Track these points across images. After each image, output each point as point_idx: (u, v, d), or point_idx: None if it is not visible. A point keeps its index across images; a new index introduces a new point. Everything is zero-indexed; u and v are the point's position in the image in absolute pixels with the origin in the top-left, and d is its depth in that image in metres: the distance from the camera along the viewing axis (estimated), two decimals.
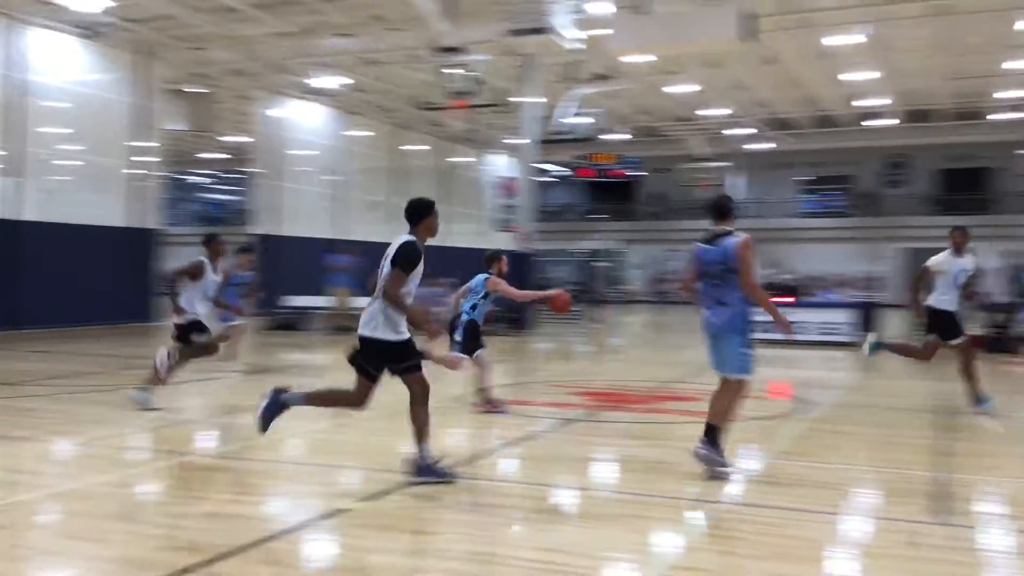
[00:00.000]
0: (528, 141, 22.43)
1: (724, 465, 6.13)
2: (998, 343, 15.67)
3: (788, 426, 8.58)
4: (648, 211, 44.83)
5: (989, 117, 33.56)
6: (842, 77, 27.06)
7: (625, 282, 44.36)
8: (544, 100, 23.42)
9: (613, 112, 31.87)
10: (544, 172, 36.40)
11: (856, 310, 18.37)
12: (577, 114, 25.88)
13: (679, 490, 6.00)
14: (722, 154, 39.55)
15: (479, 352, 8.78)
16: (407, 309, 5.75)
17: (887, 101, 31.00)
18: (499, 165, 36.66)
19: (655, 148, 41.07)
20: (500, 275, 8.95)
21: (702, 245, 6.27)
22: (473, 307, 8.85)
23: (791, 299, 19.16)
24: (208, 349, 9.37)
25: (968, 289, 9.13)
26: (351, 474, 6.59)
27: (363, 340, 5.85)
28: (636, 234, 44.49)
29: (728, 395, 6.21)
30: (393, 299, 5.72)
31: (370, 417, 8.66)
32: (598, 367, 15.27)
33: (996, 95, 29.85)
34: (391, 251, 5.85)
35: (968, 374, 9.08)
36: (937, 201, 39.95)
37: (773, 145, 38.45)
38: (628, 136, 37.28)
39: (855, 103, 32.21)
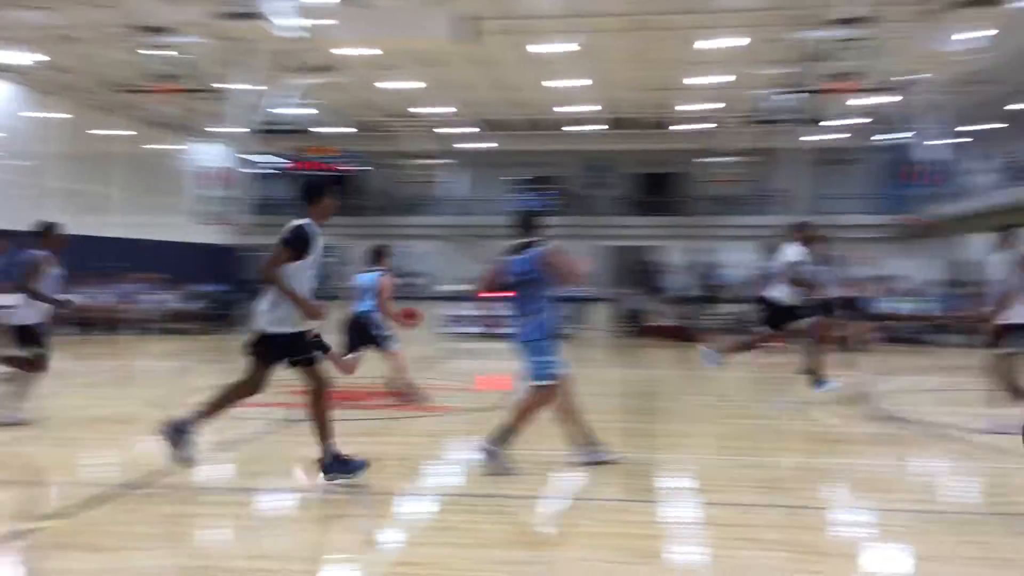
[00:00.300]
0: (240, 130, 21.52)
1: (507, 468, 6.24)
2: (684, 332, 17.28)
3: (498, 417, 8.86)
4: (373, 207, 44.67)
5: (672, 128, 37.11)
6: (554, 83, 28.55)
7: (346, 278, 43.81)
8: (259, 88, 22.59)
9: (335, 105, 31.46)
10: (259, 164, 35.15)
11: (567, 304, 19.35)
12: (296, 105, 25.26)
13: (400, 486, 6.01)
14: (445, 152, 40.32)
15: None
16: (287, 290, 5.56)
17: (597, 108, 33.12)
18: (209, 154, 34.85)
19: (379, 143, 41.02)
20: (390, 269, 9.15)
21: (508, 256, 6.44)
22: (375, 306, 8.99)
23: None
24: (33, 364, 7.90)
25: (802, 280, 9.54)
26: (38, 490, 5.95)
27: (261, 334, 5.72)
28: (359, 229, 44.09)
29: (532, 401, 6.35)
30: (268, 276, 5.57)
31: (60, 426, 7.93)
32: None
33: (679, 107, 33.01)
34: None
35: (816, 361, 9.50)
36: (636, 203, 43.35)
37: (494, 145, 39.83)
38: (352, 130, 36.96)
39: (564, 108, 34.15)
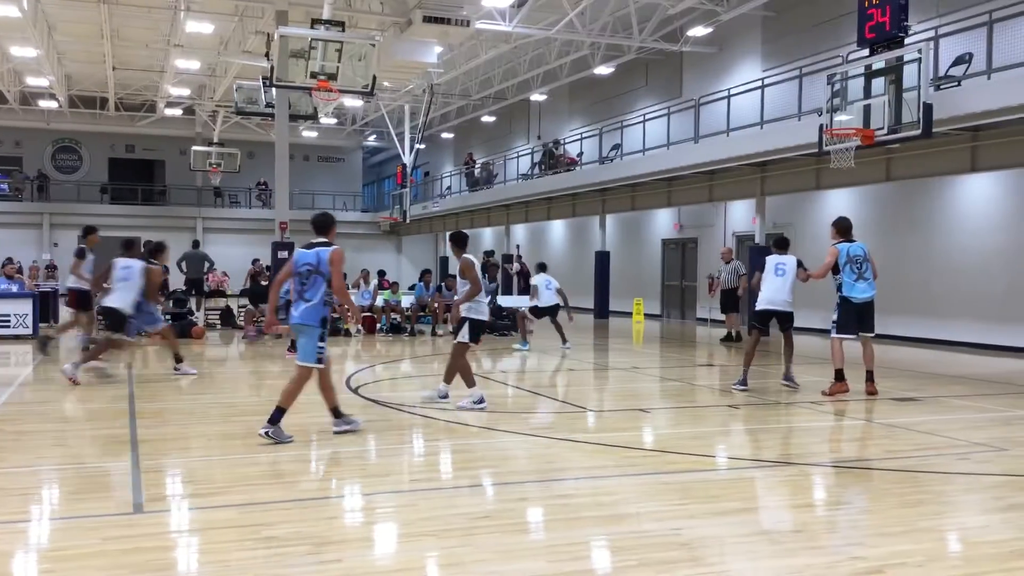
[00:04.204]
0: None
1: (287, 439, 6.94)
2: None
3: None
4: None
5: (167, 112, 35.25)
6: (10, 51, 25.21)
7: None
8: None
9: None
10: None
11: (34, 300, 16.86)
12: None
13: None
14: None
15: None
16: None
17: (51, 80, 29.29)
18: None
19: None
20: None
21: (300, 249, 7.25)
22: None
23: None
24: None
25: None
26: None
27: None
28: None
29: (299, 382, 7.11)
30: None
31: None
32: None
33: (173, 91, 31.39)
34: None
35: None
36: (108, 189, 40.03)
37: None
38: None
39: (26, 81, 30.41)
